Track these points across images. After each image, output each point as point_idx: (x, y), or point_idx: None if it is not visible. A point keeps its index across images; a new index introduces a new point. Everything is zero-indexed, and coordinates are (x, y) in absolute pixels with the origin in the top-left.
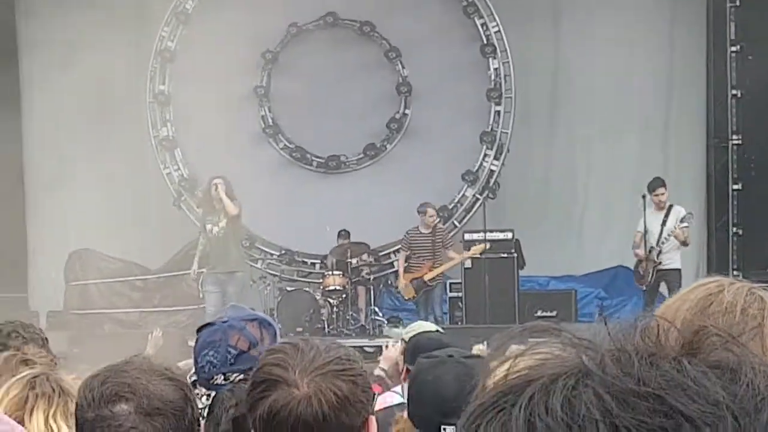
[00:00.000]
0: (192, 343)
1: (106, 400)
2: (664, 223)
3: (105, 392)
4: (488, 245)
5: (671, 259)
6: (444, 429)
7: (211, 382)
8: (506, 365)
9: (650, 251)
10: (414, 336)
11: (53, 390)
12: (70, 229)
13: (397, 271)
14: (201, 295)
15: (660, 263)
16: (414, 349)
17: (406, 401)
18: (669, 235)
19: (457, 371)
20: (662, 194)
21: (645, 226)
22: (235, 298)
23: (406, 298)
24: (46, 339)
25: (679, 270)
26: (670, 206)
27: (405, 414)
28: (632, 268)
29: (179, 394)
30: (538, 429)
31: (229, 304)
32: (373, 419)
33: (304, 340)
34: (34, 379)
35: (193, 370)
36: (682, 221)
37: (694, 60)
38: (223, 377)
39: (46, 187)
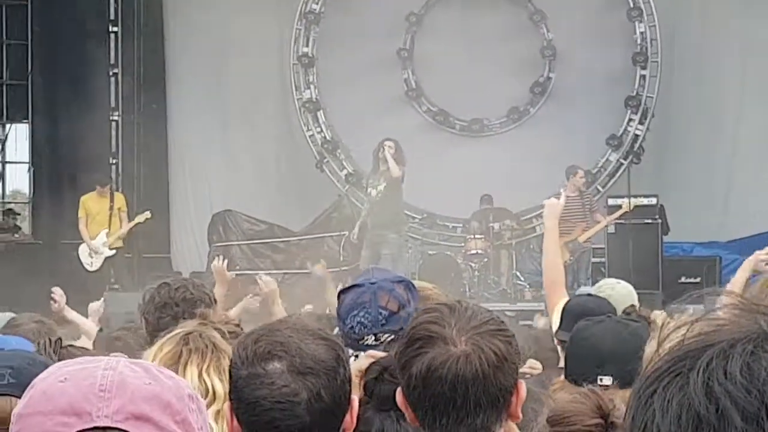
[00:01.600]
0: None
1: (259, 358)
2: None
3: (258, 350)
4: (632, 206)
5: None
6: (601, 379)
7: (361, 342)
8: (682, 330)
9: None
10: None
11: (206, 346)
12: (214, 190)
13: (539, 236)
14: (341, 257)
15: None
16: (570, 313)
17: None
18: None
19: (615, 328)
20: None
21: None
22: (390, 259)
23: (563, 261)
24: (214, 300)
25: None
26: None
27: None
28: None
29: (332, 354)
30: (717, 393)
31: (371, 266)
32: (522, 383)
33: (457, 301)
34: (188, 335)
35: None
36: None
37: None
38: (374, 338)
39: (189, 149)
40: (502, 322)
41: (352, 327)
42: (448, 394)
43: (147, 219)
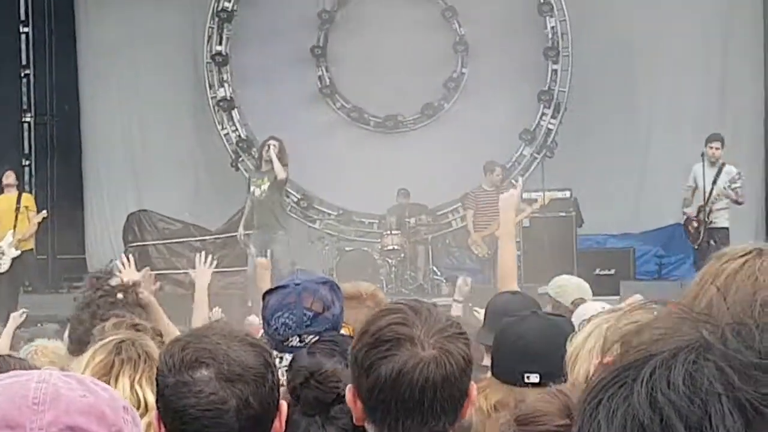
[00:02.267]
0: (251, 304)
1: (186, 366)
2: (714, 181)
3: (185, 358)
4: (548, 200)
5: (720, 218)
6: (527, 377)
7: (285, 344)
8: (624, 340)
9: (699, 211)
10: (491, 300)
11: (138, 355)
12: (129, 190)
13: (455, 231)
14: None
15: (711, 222)
16: (494, 311)
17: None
18: (719, 196)
19: (541, 324)
20: (717, 148)
21: (695, 181)
22: (281, 256)
23: (480, 255)
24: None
25: (727, 229)
26: (722, 164)
27: (488, 374)
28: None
29: (260, 360)
30: (660, 403)
31: (297, 267)
32: (474, 385)
33: (415, 301)
34: (120, 344)
35: (261, 332)
36: (733, 182)
37: (753, 12)
38: (298, 339)
39: (103, 148)
40: (459, 324)
41: (276, 328)
42: (417, 397)
43: (44, 218)
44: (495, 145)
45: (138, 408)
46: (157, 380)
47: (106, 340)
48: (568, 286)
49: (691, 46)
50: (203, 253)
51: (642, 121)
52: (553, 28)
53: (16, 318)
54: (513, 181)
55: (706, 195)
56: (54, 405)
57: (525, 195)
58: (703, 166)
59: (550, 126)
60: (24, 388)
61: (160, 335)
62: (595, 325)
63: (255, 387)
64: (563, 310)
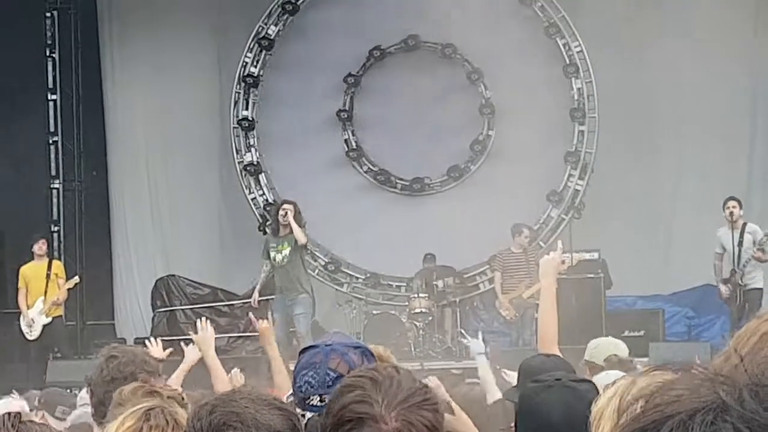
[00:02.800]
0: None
1: (214, 429)
2: (740, 243)
3: (213, 421)
4: (575, 261)
5: (753, 279)
6: None
7: (307, 402)
8: (641, 401)
9: (732, 274)
10: (524, 361)
11: (167, 422)
12: (157, 255)
13: (482, 293)
14: (272, 322)
15: (745, 285)
16: (526, 372)
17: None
18: (749, 258)
19: (565, 396)
20: (733, 207)
21: (723, 247)
22: (303, 319)
23: (508, 318)
24: (161, 373)
25: (760, 290)
26: (744, 224)
27: None
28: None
29: (287, 424)
30: None
31: (334, 331)
32: None
33: (375, 371)
34: (150, 411)
35: (290, 392)
36: (760, 245)
37: None
38: (319, 398)
39: (131, 214)
40: (425, 387)
41: (300, 386)
42: None
43: (76, 284)
44: (522, 206)
45: None
46: None
47: (136, 408)
48: (601, 344)
49: (718, 107)
50: (202, 319)
51: (669, 181)
52: (579, 89)
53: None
54: (542, 242)
55: (735, 258)
56: None
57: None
58: (731, 230)
59: (578, 187)
60: None
61: (184, 401)
62: (621, 386)
63: None
64: (597, 370)
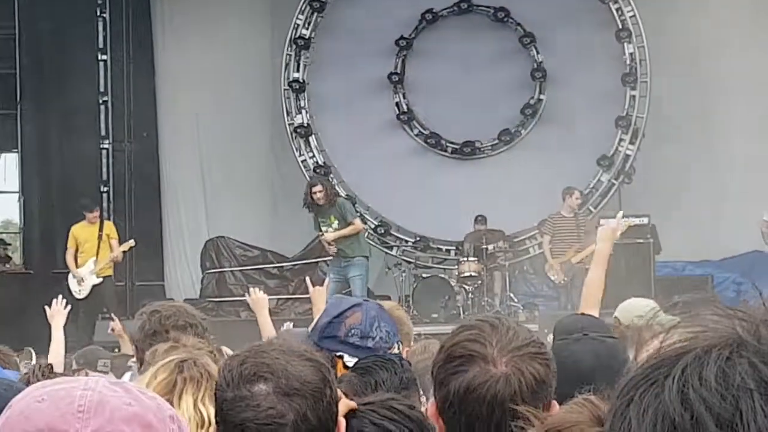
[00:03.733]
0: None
1: (245, 380)
2: None
3: (244, 372)
4: (626, 227)
5: None
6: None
7: (390, 350)
8: (659, 338)
9: None
10: (560, 320)
11: (201, 375)
12: (207, 217)
13: (532, 257)
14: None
15: None
16: (561, 330)
17: None
18: None
19: (593, 347)
20: None
21: None
22: (359, 281)
23: (557, 282)
24: (206, 327)
25: None
26: None
27: None
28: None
29: (318, 376)
30: (692, 400)
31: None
32: (554, 403)
33: (497, 319)
34: (182, 363)
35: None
36: None
37: None
38: (398, 347)
39: (181, 175)
40: (542, 344)
41: (381, 337)
42: (485, 414)
43: (131, 247)
44: (573, 171)
45: (202, 426)
46: (216, 395)
47: (168, 359)
48: (631, 304)
49: None
50: (255, 289)
51: (720, 147)
52: (631, 54)
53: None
54: (591, 207)
55: None
56: (99, 413)
57: (603, 221)
58: None
59: (628, 152)
60: (70, 395)
61: (218, 354)
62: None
63: (313, 402)
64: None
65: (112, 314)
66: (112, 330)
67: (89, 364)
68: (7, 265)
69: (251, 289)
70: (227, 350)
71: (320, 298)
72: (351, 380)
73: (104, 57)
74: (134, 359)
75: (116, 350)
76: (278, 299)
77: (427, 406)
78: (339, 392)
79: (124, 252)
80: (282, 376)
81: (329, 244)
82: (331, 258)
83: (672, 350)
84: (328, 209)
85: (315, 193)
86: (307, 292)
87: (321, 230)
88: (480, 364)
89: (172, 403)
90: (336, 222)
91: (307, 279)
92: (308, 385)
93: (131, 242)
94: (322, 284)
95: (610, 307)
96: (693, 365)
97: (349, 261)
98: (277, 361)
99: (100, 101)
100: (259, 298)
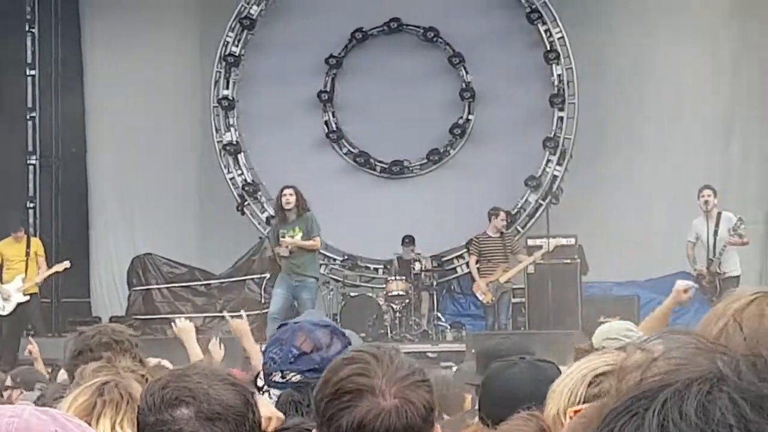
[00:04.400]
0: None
1: (167, 404)
2: (716, 232)
3: (166, 396)
4: (552, 247)
5: (730, 267)
6: None
7: (270, 378)
8: (640, 369)
9: (709, 264)
10: (484, 342)
11: (121, 397)
12: (134, 233)
13: (460, 277)
14: (262, 300)
15: (723, 273)
16: (485, 355)
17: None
18: (725, 246)
19: (531, 372)
20: (708, 196)
21: (697, 236)
22: (310, 305)
23: (485, 302)
24: (136, 344)
25: (737, 277)
26: (719, 213)
27: (476, 419)
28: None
29: (240, 399)
30: None
31: (308, 310)
32: (438, 427)
33: (379, 348)
34: (104, 385)
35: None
36: (734, 230)
37: (758, 62)
38: (281, 375)
39: (109, 192)
40: (423, 370)
41: (265, 362)
42: None
43: (66, 269)
44: (501, 191)
45: None
46: (138, 419)
47: (90, 382)
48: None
49: (698, 93)
50: (181, 318)
51: (647, 167)
52: (559, 75)
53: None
54: (519, 227)
55: (710, 247)
56: None
57: (530, 242)
58: (707, 219)
59: (556, 173)
60: None
61: (146, 379)
62: (576, 366)
63: (235, 426)
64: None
65: (30, 337)
66: (29, 352)
67: (25, 384)
68: None
69: (176, 320)
70: (167, 364)
71: (245, 328)
72: (292, 394)
73: (32, 72)
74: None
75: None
76: (205, 317)
77: None
78: (269, 408)
79: (57, 272)
80: (204, 400)
81: (286, 246)
82: (257, 277)
83: (653, 382)
84: (295, 220)
85: (285, 195)
86: (235, 310)
87: (279, 243)
88: (369, 398)
89: (90, 425)
90: (299, 234)
91: (226, 315)
92: (231, 410)
93: (66, 263)
94: (253, 303)
95: (535, 328)
96: (673, 399)
97: (303, 281)
98: (199, 386)
99: (28, 117)
100: (184, 327)
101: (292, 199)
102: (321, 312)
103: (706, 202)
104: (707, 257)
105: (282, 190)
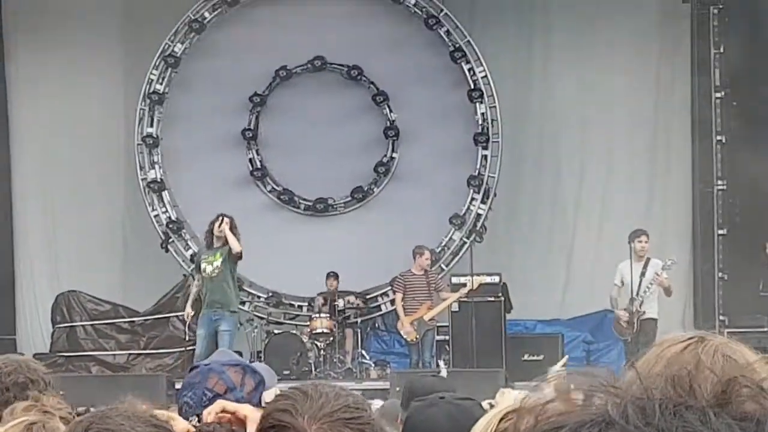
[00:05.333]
0: (179, 386)
1: None
2: (642, 274)
3: None
4: (476, 284)
5: (650, 308)
6: None
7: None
8: (535, 411)
9: (631, 302)
10: (409, 380)
11: None
12: (58, 270)
13: (384, 314)
14: (186, 338)
15: (643, 313)
16: (408, 393)
17: None
18: (651, 284)
19: (450, 411)
20: (645, 242)
21: (623, 280)
22: (227, 337)
23: (409, 339)
24: (50, 382)
25: (655, 320)
26: (648, 259)
27: None
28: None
29: None
30: None
31: (219, 350)
32: None
33: (313, 386)
34: (31, 425)
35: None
36: (663, 269)
37: (680, 105)
38: (197, 419)
39: (34, 227)
40: (358, 407)
41: (180, 407)
42: None
43: None
44: (425, 228)
45: None
46: None
47: (17, 421)
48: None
49: (620, 137)
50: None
51: (570, 207)
52: (483, 114)
53: None
54: (443, 265)
55: (635, 288)
56: None
57: (454, 279)
58: (631, 262)
59: (480, 211)
60: None
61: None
62: (499, 407)
63: None
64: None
65: None
66: None
67: None
68: None
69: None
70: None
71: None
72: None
73: None
74: None
75: None
76: (129, 354)
77: None
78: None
79: None
80: None
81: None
82: (181, 314)
83: (546, 424)
84: (220, 247)
85: (223, 221)
86: (160, 347)
87: (200, 268)
88: None
89: None
90: (220, 260)
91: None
92: None
93: None
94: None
95: (459, 365)
96: None
97: (221, 314)
98: (122, 427)
99: None
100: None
101: (227, 227)
102: (230, 352)
103: (643, 247)
104: (630, 297)
105: (221, 217)
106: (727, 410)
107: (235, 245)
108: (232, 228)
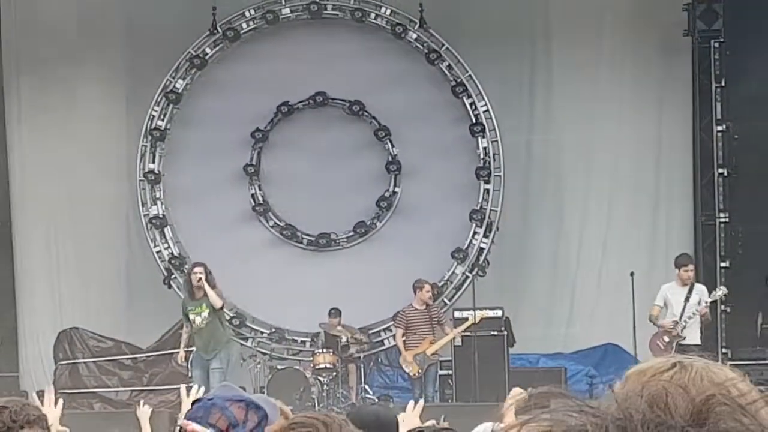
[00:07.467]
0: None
1: None
2: (687, 299)
3: None
4: (479, 319)
5: (691, 335)
6: None
7: None
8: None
9: (675, 325)
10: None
11: None
12: (60, 307)
13: (387, 349)
14: (189, 375)
15: (684, 338)
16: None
17: None
18: (695, 312)
19: None
20: (690, 270)
21: (666, 302)
22: (219, 373)
23: (411, 374)
24: (45, 417)
25: (699, 345)
26: (693, 284)
27: None
28: (623, 344)
29: None
30: None
31: (222, 383)
32: None
33: (328, 416)
34: None
35: None
36: (711, 298)
37: (681, 139)
38: None
39: (36, 264)
40: None
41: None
42: None
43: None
44: (427, 263)
45: None
46: None
47: None
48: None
49: (622, 170)
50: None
51: (573, 240)
52: (485, 148)
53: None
54: (446, 299)
55: (680, 312)
56: None
57: (456, 314)
58: (680, 287)
59: (482, 245)
60: None
61: None
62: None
63: None
64: None
65: None
66: None
67: None
68: None
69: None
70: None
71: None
72: None
73: None
74: None
75: None
76: (132, 391)
77: None
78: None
79: None
80: None
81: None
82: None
83: None
84: (202, 297)
85: (195, 273)
86: (162, 384)
87: (189, 319)
88: None
89: None
90: (207, 311)
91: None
92: None
93: None
94: (179, 377)
95: (462, 400)
96: None
97: (214, 355)
98: None
99: None
100: (143, 411)
101: (202, 276)
102: (233, 386)
103: (689, 277)
104: (673, 321)
105: (192, 267)
106: (705, 429)
107: (215, 301)
108: (207, 276)
